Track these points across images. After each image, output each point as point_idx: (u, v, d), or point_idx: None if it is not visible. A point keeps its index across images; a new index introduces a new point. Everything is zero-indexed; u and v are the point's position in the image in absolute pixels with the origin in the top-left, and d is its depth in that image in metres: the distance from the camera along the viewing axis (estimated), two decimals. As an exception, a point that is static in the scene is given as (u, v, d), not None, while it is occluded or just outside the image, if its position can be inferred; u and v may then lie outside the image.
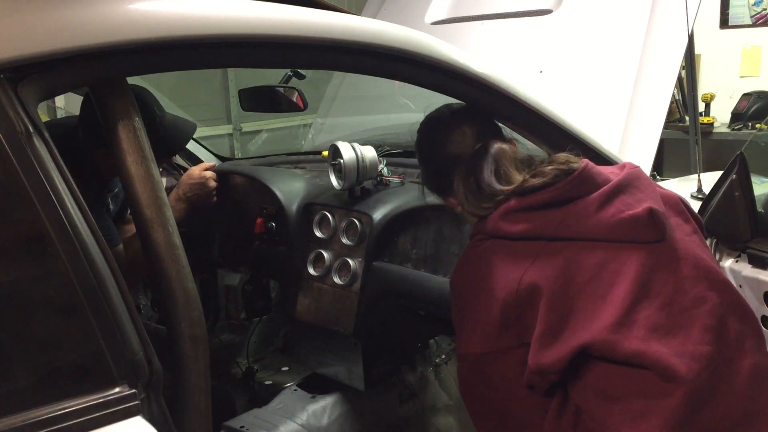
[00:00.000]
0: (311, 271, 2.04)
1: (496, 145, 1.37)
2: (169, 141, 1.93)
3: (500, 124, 1.48)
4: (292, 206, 2.11)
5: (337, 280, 1.98)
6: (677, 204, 1.36)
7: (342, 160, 1.96)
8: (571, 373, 1.18)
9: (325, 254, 2.02)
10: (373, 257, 1.93)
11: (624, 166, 1.36)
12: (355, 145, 1.99)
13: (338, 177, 2.01)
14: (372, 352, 2.04)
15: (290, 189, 2.16)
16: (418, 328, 2.12)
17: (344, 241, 1.99)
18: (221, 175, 2.33)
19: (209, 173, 2.13)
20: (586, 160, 1.31)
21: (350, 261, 1.96)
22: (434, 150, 1.45)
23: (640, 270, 1.20)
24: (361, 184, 2.03)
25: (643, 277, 1.20)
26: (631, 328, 1.15)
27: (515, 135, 1.54)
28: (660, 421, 1.10)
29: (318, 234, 2.06)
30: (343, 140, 2.02)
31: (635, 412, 1.12)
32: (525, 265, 1.23)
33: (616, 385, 1.15)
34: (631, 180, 1.29)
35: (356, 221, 1.97)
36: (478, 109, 1.45)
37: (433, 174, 1.48)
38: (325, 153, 2.17)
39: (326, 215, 2.05)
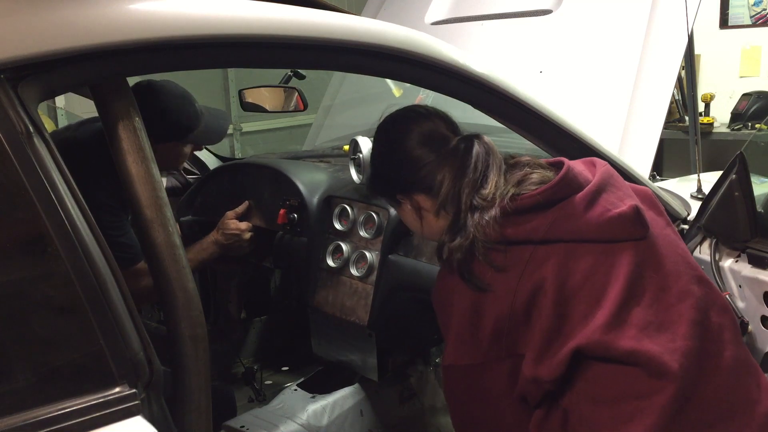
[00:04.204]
0: (330, 262, 2.07)
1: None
2: (209, 132, 2.01)
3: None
4: (314, 198, 2.13)
5: (354, 271, 2.01)
6: (649, 198, 1.35)
7: (361, 155, 1.98)
8: (563, 379, 1.16)
9: (344, 246, 2.05)
10: (388, 250, 1.96)
11: (593, 162, 1.34)
12: None
13: (358, 171, 2.03)
14: (386, 344, 2.06)
15: (312, 181, 2.19)
16: (433, 322, 2.12)
17: (362, 233, 2.02)
18: (247, 167, 2.35)
19: (244, 225, 2.16)
20: (565, 161, 1.28)
21: (367, 253, 1.99)
22: (376, 159, 1.45)
23: (630, 269, 1.19)
24: None
25: (633, 276, 1.19)
26: (623, 328, 1.15)
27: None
28: (651, 420, 1.10)
29: (337, 226, 2.09)
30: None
31: (626, 414, 1.11)
32: (517, 273, 1.20)
33: (607, 388, 1.14)
34: (608, 178, 1.29)
35: (374, 214, 2.00)
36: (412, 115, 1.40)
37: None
38: (346, 148, 2.17)
39: (346, 208, 2.08)
